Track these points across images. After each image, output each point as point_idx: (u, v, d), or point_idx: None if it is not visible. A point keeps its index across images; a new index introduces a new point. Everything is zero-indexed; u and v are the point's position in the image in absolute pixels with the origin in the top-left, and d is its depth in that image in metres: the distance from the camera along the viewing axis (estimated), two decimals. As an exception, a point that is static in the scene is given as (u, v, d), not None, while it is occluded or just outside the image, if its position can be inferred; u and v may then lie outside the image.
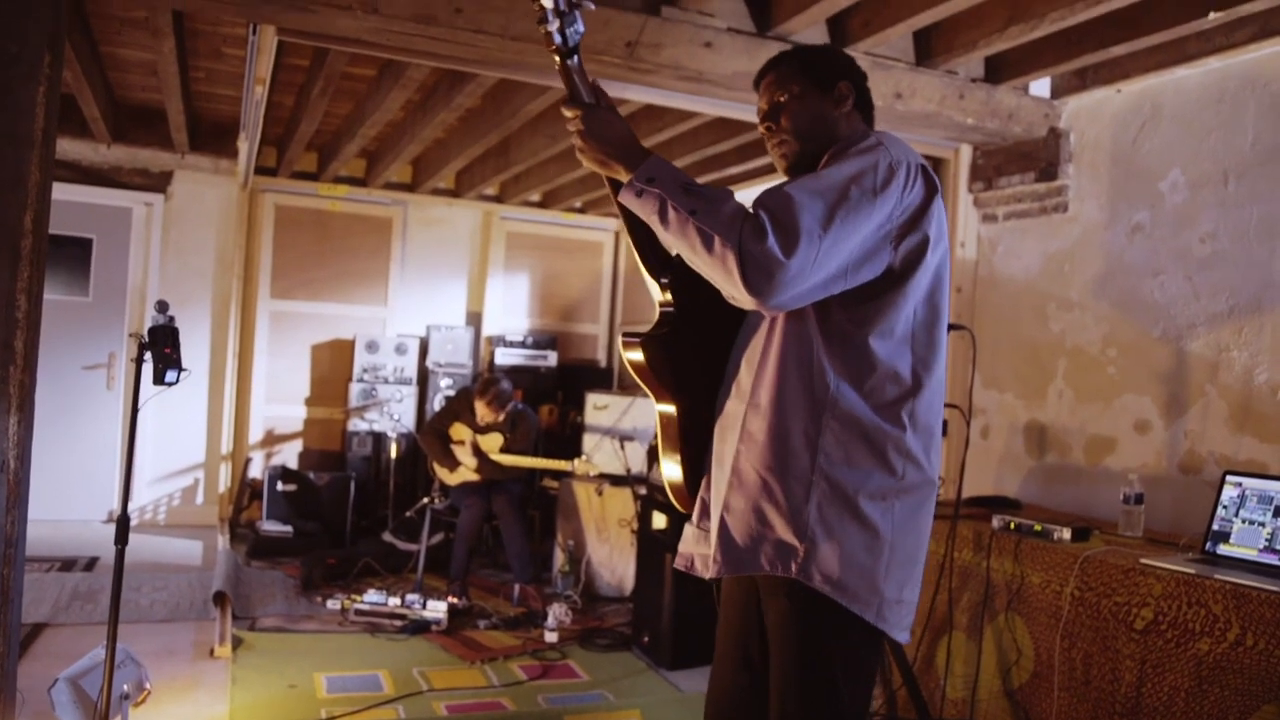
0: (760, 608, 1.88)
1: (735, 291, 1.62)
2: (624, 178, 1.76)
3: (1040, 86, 4.07)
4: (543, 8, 1.72)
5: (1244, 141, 3.33)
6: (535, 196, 7.48)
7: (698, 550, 1.96)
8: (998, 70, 3.95)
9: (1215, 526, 2.85)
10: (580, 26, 1.76)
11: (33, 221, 2.82)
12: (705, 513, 1.93)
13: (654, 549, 4.57)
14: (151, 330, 2.89)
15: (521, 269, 7.81)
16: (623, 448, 5.46)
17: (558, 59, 1.79)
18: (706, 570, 1.90)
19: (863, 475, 1.73)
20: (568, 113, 1.81)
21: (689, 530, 1.98)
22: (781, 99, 1.93)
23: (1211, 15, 3.02)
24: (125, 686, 3.21)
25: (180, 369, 2.90)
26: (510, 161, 6.05)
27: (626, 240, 2.02)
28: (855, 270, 1.68)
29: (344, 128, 5.93)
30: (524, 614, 4.98)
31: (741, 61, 3.55)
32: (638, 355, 1.84)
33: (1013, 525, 3.23)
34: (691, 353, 1.89)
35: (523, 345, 7.35)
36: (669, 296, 1.88)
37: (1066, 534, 3.08)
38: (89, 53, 4.81)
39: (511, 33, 3.27)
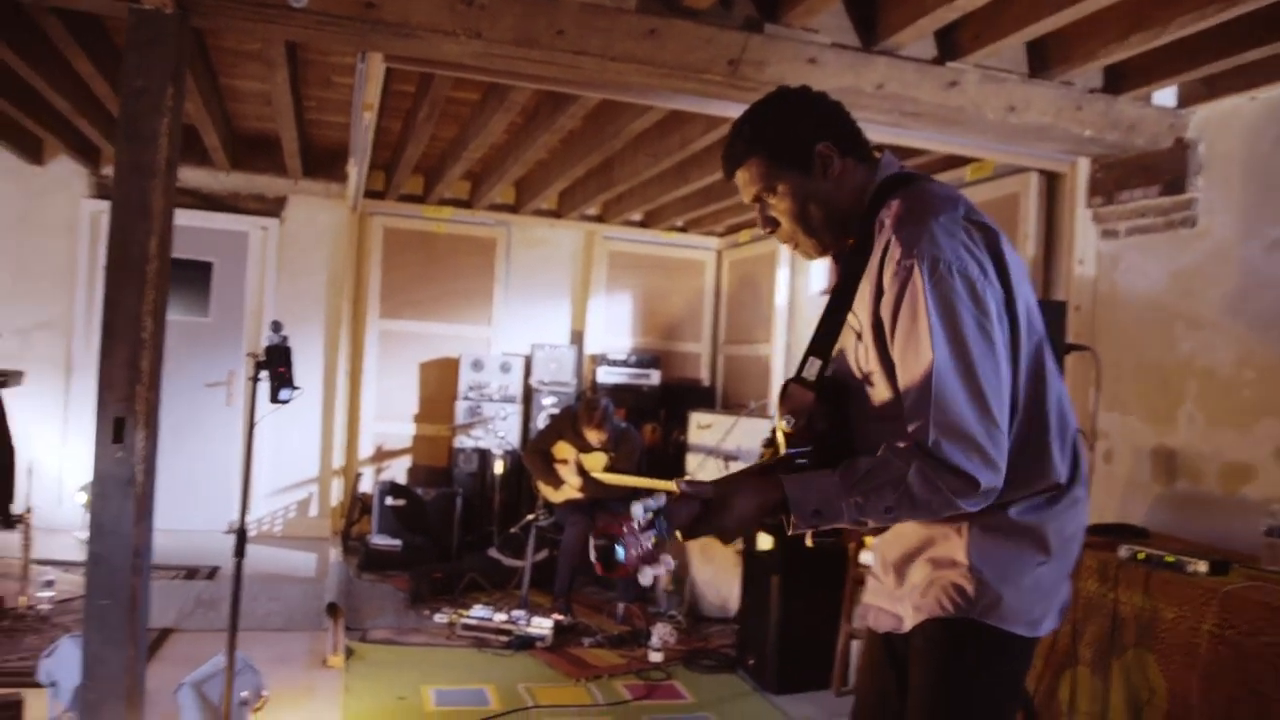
0: (893, 654, 1.82)
1: None
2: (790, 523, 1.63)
3: (1164, 95, 3.88)
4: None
5: (1395, 146, 3.10)
6: (637, 216, 7.50)
7: (875, 603, 1.88)
8: (1118, 80, 3.79)
9: (1369, 561, 2.65)
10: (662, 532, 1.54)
11: (157, 246, 2.95)
12: (883, 565, 1.86)
13: (760, 570, 4.49)
14: (267, 350, 2.98)
15: (624, 288, 7.83)
16: (727, 467, 5.40)
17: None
18: (881, 625, 1.84)
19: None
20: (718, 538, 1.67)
21: (871, 582, 1.90)
22: (768, 199, 1.76)
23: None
24: (244, 693, 3.32)
25: (293, 387, 2.98)
26: (612, 181, 6.08)
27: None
28: (1010, 383, 1.60)
29: (449, 151, 6.05)
30: (628, 632, 4.96)
31: (847, 77, 3.49)
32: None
33: (1142, 556, 3.06)
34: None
35: (625, 364, 7.36)
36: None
37: (1203, 566, 2.90)
38: (209, 85, 5.02)
39: (612, 53, 3.28)
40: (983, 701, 1.68)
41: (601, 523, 1.49)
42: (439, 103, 4.72)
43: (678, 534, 1.59)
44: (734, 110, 3.85)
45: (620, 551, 1.46)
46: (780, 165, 1.73)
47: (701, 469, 5.66)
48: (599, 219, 7.52)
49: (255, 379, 3.00)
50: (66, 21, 4.08)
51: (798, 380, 1.73)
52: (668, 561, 1.52)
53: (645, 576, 1.50)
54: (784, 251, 6.98)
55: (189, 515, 6.71)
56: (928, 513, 1.58)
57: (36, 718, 3.31)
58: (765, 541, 4.44)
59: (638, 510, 1.49)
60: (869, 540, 1.89)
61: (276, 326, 3.06)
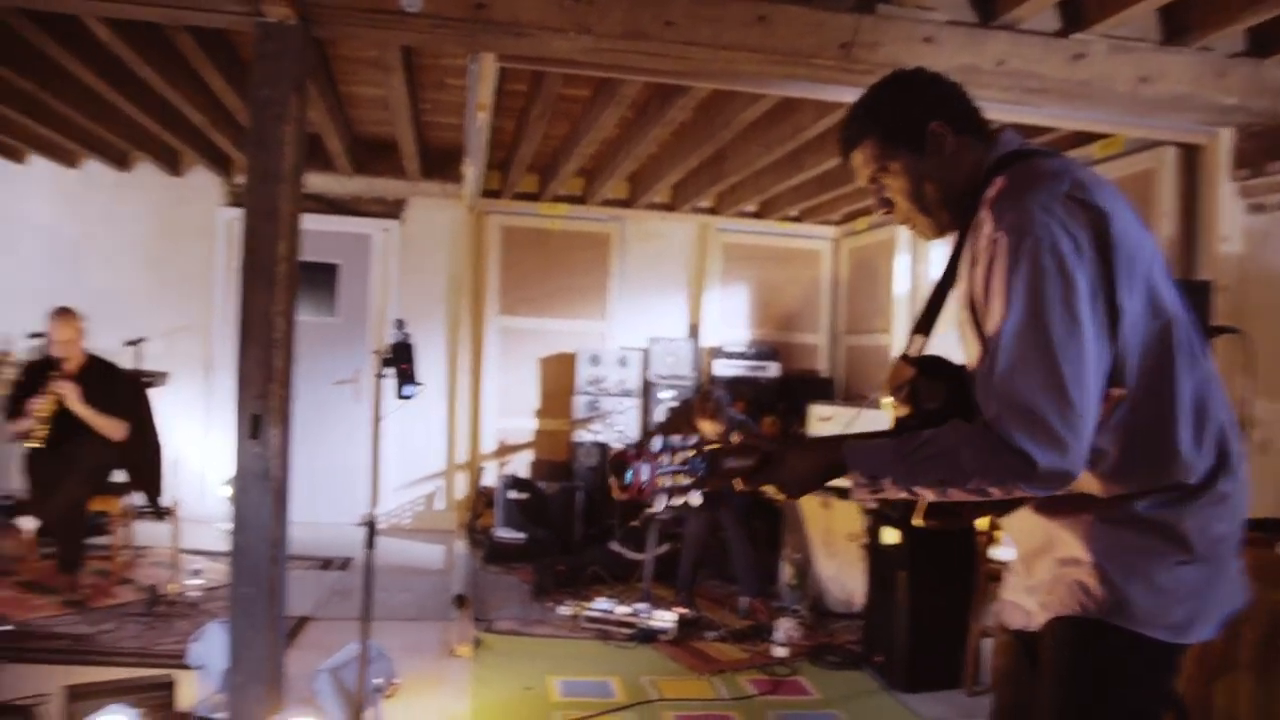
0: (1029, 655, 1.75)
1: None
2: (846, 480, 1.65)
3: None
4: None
5: None
6: (751, 206, 7.44)
7: (1010, 597, 1.82)
8: (1264, 42, 3.55)
9: None
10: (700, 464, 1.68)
11: (286, 249, 3.07)
12: (1018, 558, 1.80)
13: (885, 565, 4.39)
14: (391, 347, 3.07)
15: (739, 279, 7.79)
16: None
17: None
18: (1014, 620, 1.78)
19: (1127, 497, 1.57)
20: (769, 490, 1.72)
21: (1008, 576, 1.85)
22: (883, 180, 1.75)
23: None
24: (377, 680, 3.42)
25: (416, 384, 3.06)
26: (725, 172, 6.05)
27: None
28: (1103, 368, 1.51)
29: (562, 148, 6.12)
30: (751, 627, 4.92)
31: (965, 55, 3.38)
32: None
33: (1301, 550, 2.86)
34: None
35: (743, 356, 7.32)
36: None
37: (1370, 561, 2.69)
38: (331, 93, 5.20)
39: (722, 42, 3.26)
40: (1112, 709, 1.58)
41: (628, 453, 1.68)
42: (550, 100, 4.78)
43: (737, 483, 1.67)
44: (848, 95, 3.77)
45: (629, 475, 1.60)
46: (893, 145, 1.72)
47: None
48: (712, 211, 7.50)
49: (380, 376, 3.09)
50: (199, 39, 4.29)
51: (901, 357, 1.75)
52: (694, 497, 1.64)
53: (658, 503, 1.63)
54: (904, 238, 6.82)
55: (322, 508, 6.97)
56: (980, 490, 1.51)
57: (187, 697, 3.50)
58: (891, 535, 4.34)
59: (655, 443, 1.61)
60: (998, 535, 1.84)
61: (400, 324, 3.16)
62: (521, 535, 6.34)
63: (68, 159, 6.81)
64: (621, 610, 4.86)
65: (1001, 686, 1.86)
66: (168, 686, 3.41)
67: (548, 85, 4.58)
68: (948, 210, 1.73)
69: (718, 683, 4.22)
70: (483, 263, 7.38)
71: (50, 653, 4.16)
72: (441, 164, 6.88)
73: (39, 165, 6.85)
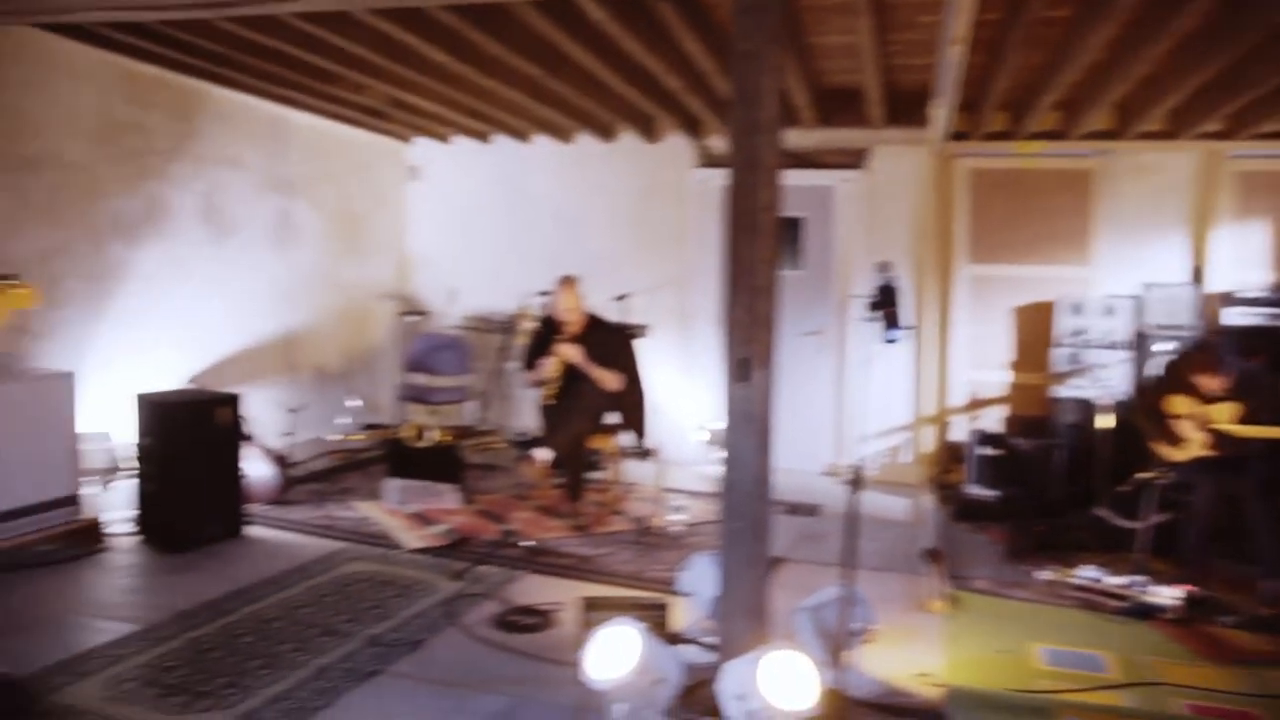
0: None
1: None
2: None
3: None
4: None
5: None
6: (1275, 126, 6.31)
7: None
8: None
9: None
10: None
11: (767, 199, 3.12)
12: None
13: None
14: (878, 289, 3.02)
15: (1258, 214, 6.66)
16: None
17: None
18: None
19: None
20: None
21: None
22: None
23: None
24: (856, 625, 3.45)
25: (903, 327, 2.99)
26: (1241, 88, 5.18)
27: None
28: None
29: (1038, 80, 5.62)
30: (1276, 616, 4.24)
31: None
32: None
33: None
34: None
35: (1262, 303, 6.26)
36: None
37: None
38: (798, 46, 5.24)
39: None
40: None
41: None
42: (1030, 25, 4.40)
43: None
44: None
45: None
46: None
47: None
48: (1222, 135, 6.48)
49: (864, 320, 3.06)
50: (676, 5, 4.51)
51: None
52: None
53: None
54: None
55: (787, 455, 7.13)
56: None
57: (677, 620, 3.81)
58: None
59: None
60: None
61: (884, 266, 3.10)
62: (994, 493, 6.03)
63: (563, 135, 7.66)
64: (1113, 581, 4.43)
65: None
66: (662, 608, 3.72)
67: (1027, 8, 4.21)
68: None
69: (1237, 674, 3.69)
70: (949, 209, 7.07)
71: (560, 568, 4.76)
72: (906, 109, 6.67)
73: (541, 143, 7.82)
